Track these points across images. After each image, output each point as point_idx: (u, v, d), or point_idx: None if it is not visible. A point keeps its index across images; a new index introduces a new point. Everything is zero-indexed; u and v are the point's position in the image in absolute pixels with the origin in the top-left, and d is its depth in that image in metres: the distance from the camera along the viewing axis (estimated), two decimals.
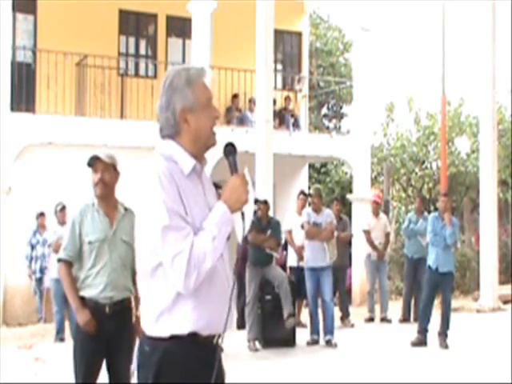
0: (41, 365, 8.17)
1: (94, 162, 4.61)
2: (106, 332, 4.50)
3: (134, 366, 4.68)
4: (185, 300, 2.53)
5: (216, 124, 2.68)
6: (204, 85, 2.65)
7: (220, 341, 2.66)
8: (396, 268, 16.69)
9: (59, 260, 4.69)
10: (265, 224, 9.34)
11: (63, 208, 10.26)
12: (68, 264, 4.64)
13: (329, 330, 9.50)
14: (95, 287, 4.54)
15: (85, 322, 4.47)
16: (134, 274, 4.64)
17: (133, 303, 4.70)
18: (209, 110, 2.64)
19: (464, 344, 9.53)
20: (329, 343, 9.41)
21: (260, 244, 9.17)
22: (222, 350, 2.72)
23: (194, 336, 2.55)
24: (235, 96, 16.04)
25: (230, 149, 2.65)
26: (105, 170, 4.59)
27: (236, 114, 16.11)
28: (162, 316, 2.56)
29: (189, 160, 2.62)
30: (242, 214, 2.58)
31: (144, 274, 2.62)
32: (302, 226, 9.81)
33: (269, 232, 9.31)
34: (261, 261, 9.27)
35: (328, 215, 9.77)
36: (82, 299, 4.56)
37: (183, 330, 2.55)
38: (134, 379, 4.64)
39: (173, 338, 2.55)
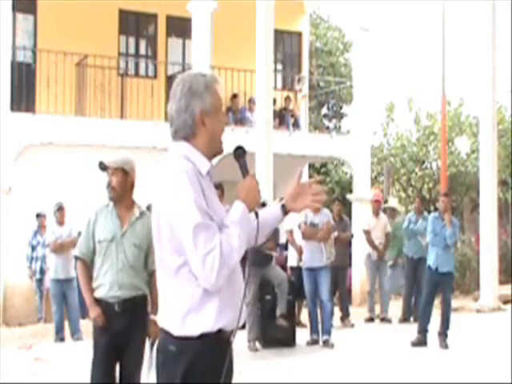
0: (41, 365, 8.17)
1: (102, 167, 4.71)
2: (117, 329, 4.62)
3: (148, 364, 4.71)
4: (211, 298, 2.59)
5: (224, 130, 2.77)
6: (219, 90, 2.75)
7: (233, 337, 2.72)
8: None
9: (75, 257, 4.86)
10: None
11: (61, 208, 10.26)
12: (82, 261, 4.79)
13: (326, 330, 9.51)
14: (104, 286, 4.67)
15: (95, 317, 4.64)
16: (149, 275, 4.71)
17: (148, 303, 4.76)
18: (221, 114, 2.75)
19: (464, 344, 9.53)
20: (326, 343, 9.42)
21: (258, 246, 9.15)
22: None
23: (219, 334, 2.60)
24: (234, 96, 16.04)
25: (240, 152, 2.74)
26: (113, 174, 4.68)
27: (236, 114, 16.11)
28: (189, 315, 2.60)
29: (205, 162, 2.70)
30: (256, 214, 2.69)
31: (166, 274, 2.66)
32: (299, 226, 9.83)
33: None
34: (260, 261, 9.27)
35: (325, 215, 9.78)
36: (95, 299, 4.70)
37: (212, 327, 2.59)
38: (151, 377, 4.69)
39: (201, 337, 2.59)
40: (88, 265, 4.77)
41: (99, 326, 4.64)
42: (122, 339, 4.62)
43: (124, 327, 4.61)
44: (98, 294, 4.68)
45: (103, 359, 4.66)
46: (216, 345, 2.60)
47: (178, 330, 2.62)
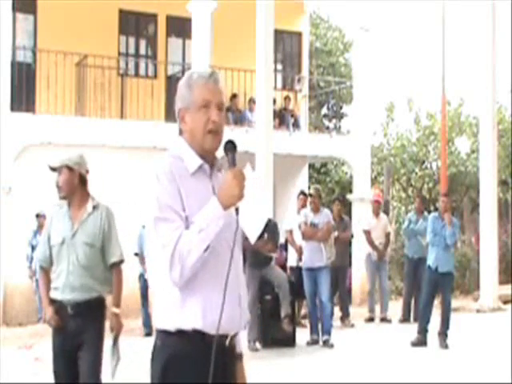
0: (41, 365, 8.17)
1: (51, 169, 4.75)
2: (71, 330, 4.60)
3: (113, 358, 4.69)
4: (189, 296, 2.55)
5: (213, 127, 2.68)
6: (205, 87, 2.68)
7: (230, 342, 2.65)
8: (396, 268, 16.69)
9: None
10: None
11: None
12: (41, 267, 4.81)
13: (326, 331, 9.52)
14: (57, 290, 4.66)
15: (48, 318, 4.68)
16: (110, 267, 4.71)
17: (104, 304, 4.74)
18: (204, 111, 2.67)
19: (464, 344, 9.54)
20: (326, 343, 9.43)
21: (258, 249, 9.16)
22: (233, 352, 2.72)
23: (201, 335, 2.56)
24: (234, 96, 16.03)
25: (229, 146, 2.67)
26: (59, 173, 4.70)
27: (236, 113, 16.11)
28: (168, 310, 2.59)
29: (195, 159, 2.67)
30: (236, 210, 2.56)
31: (153, 268, 2.66)
32: (300, 227, 9.83)
33: (266, 236, 9.30)
34: (259, 263, 9.28)
35: (325, 215, 9.78)
36: (51, 300, 4.72)
37: (187, 325, 2.56)
38: (116, 371, 4.69)
39: (180, 333, 2.57)
40: (47, 269, 4.77)
41: (53, 327, 4.66)
42: (76, 341, 4.58)
43: (78, 330, 4.57)
44: (53, 295, 4.68)
45: (60, 360, 4.65)
46: (195, 344, 2.56)
47: (158, 324, 2.64)
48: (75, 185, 4.66)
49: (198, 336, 2.55)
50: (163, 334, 2.61)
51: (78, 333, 4.57)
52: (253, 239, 2.67)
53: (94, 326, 4.62)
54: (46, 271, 4.78)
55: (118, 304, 4.74)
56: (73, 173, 4.66)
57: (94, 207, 4.67)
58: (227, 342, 2.63)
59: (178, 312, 2.57)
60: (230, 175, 2.57)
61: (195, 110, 2.67)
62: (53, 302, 4.69)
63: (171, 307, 2.58)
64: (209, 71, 2.75)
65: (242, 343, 2.91)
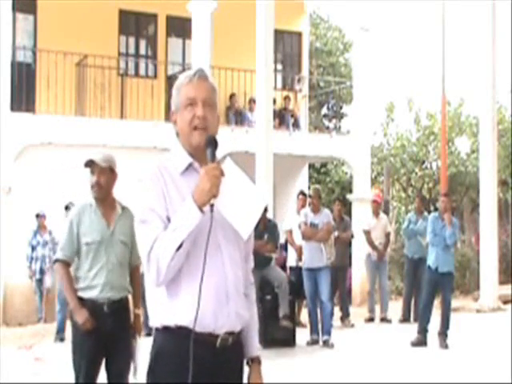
0: (41, 365, 8.17)
1: (90, 164, 4.66)
2: (104, 331, 4.55)
3: (135, 364, 4.70)
4: (175, 293, 2.56)
5: (198, 123, 2.65)
6: (189, 86, 2.68)
7: (224, 343, 2.61)
8: (396, 268, 16.70)
9: (56, 260, 4.75)
10: (261, 228, 9.28)
11: (68, 208, 10.32)
12: (65, 264, 4.70)
13: (326, 331, 9.51)
14: (94, 288, 4.59)
15: (83, 321, 4.52)
16: (131, 271, 4.77)
17: (131, 302, 4.74)
18: (190, 109, 2.67)
19: (464, 344, 9.53)
20: (326, 343, 9.43)
21: (258, 249, 9.15)
22: (231, 354, 2.66)
23: (187, 331, 2.53)
24: (233, 95, 16.01)
25: (209, 141, 2.62)
26: (101, 173, 4.63)
27: (235, 113, 16.10)
28: (156, 308, 2.62)
29: (184, 158, 2.67)
30: (211, 206, 2.51)
31: (144, 268, 2.67)
32: (299, 227, 9.82)
33: (266, 236, 9.29)
34: (260, 263, 9.26)
35: (325, 215, 9.77)
36: (81, 299, 4.60)
37: (171, 321, 2.56)
38: (137, 377, 4.68)
39: (166, 330, 2.58)
40: (69, 267, 4.71)
41: (87, 329, 4.53)
42: (109, 340, 4.56)
43: (111, 328, 4.55)
44: (88, 295, 4.59)
45: (93, 360, 4.59)
46: (180, 341, 2.54)
47: (150, 321, 2.67)
48: (112, 187, 4.71)
49: (182, 333, 2.55)
50: (155, 331, 2.65)
51: (111, 330, 4.55)
52: (245, 234, 2.63)
53: (126, 326, 4.66)
54: (68, 267, 4.71)
55: (139, 305, 4.77)
56: (113, 175, 4.70)
57: (123, 209, 4.72)
58: (218, 343, 2.59)
59: (163, 309, 2.59)
60: (202, 171, 2.53)
61: (182, 109, 2.68)
62: (82, 301, 4.59)
63: (158, 304, 2.61)
64: (194, 70, 2.75)
65: (256, 347, 2.86)
